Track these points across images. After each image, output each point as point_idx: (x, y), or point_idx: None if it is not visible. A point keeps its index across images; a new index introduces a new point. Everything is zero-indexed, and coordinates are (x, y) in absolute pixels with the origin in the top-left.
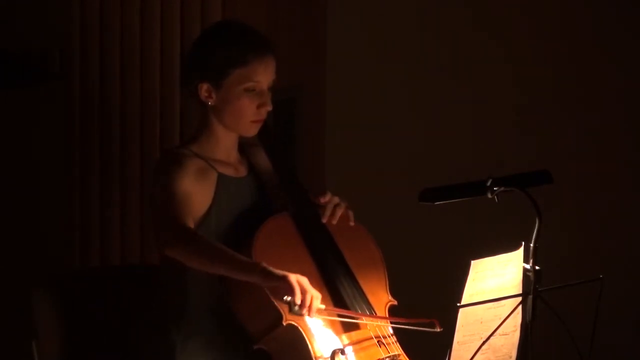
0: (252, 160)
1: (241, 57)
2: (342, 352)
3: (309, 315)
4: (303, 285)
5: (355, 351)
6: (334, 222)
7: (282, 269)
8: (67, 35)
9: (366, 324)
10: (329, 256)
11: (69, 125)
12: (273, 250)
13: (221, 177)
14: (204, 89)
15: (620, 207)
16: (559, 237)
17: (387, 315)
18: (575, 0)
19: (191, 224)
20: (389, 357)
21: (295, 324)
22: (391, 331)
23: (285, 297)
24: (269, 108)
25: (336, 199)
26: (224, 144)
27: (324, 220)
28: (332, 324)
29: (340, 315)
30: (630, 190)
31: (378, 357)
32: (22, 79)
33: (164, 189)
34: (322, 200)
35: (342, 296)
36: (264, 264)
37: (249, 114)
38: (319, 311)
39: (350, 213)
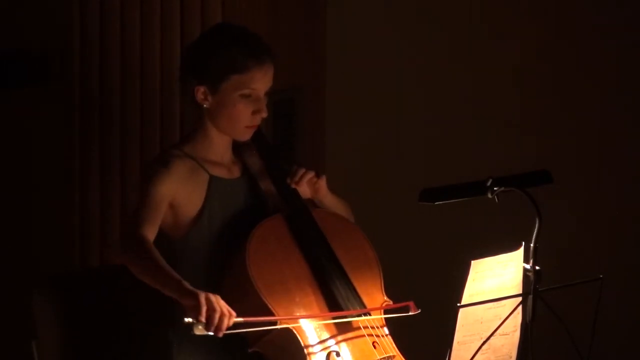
0: (246, 162)
1: (241, 64)
2: (337, 354)
3: (217, 334)
4: (212, 304)
5: (351, 352)
6: (300, 186)
7: (275, 271)
8: (68, 35)
9: (360, 327)
10: (322, 257)
11: (69, 125)
12: (266, 252)
13: (213, 179)
14: (200, 91)
15: (621, 207)
16: (559, 237)
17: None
18: (576, 0)
19: (150, 232)
20: (384, 358)
21: (290, 327)
22: (387, 331)
23: (186, 318)
24: (264, 115)
25: (302, 169)
26: (217, 146)
27: (290, 183)
28: (326, 326)
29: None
30: (630, 190)
31: (374, 359)
32: (22, 78)
33: (142, 190)
34: (290, 181)
35: (336, 297)
36: (184, 282)
37: (243, 119)
38: (237, 325)
39: (322, 180)
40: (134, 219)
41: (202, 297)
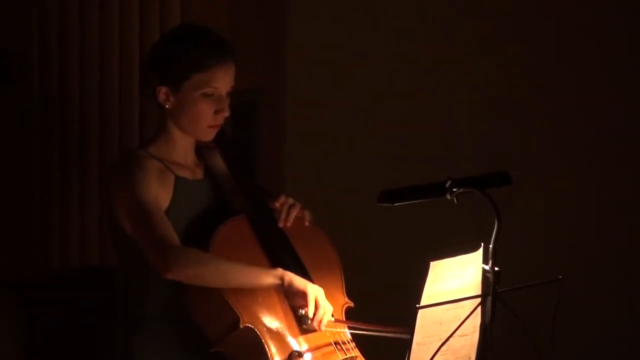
0: (208, 163)
1: (201, 62)
2: (300, 354)
3: (318, 329)
4: (318, 300)
5: (313, 354)
6: (289, 224)
7: None
8: (26, 37)
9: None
10: (285, 258)
11: (28, 125)
12: (230, 253)
13: (179, 180)
14: (162, 92)
15: (582, 208)
16: (519, 238)
17: (366, 322)
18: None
19: (176, 237)
20: (346, 359)
21: (253, 327)
22: (349, 337)
23: (300, 311)
24: (227, 114)
25: (290, 200)
26: (181, 147)
27: (280, 225)
28: (289, 326)
29: (350, 327)
30: (590, 190)
31: None
32: None
33: (137, 200)
34: (277, 204)
35: None
36: (282, 270)
37: (206, 118)
38: (329, 324)
39: (306, 212)
40: (156, 239)
41: (312, 293)
